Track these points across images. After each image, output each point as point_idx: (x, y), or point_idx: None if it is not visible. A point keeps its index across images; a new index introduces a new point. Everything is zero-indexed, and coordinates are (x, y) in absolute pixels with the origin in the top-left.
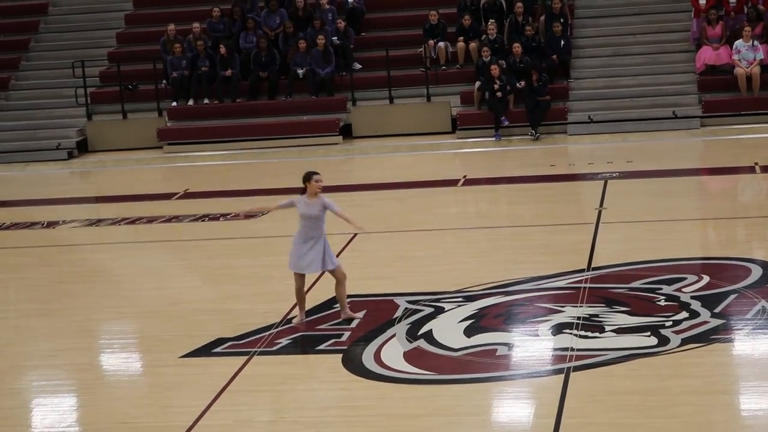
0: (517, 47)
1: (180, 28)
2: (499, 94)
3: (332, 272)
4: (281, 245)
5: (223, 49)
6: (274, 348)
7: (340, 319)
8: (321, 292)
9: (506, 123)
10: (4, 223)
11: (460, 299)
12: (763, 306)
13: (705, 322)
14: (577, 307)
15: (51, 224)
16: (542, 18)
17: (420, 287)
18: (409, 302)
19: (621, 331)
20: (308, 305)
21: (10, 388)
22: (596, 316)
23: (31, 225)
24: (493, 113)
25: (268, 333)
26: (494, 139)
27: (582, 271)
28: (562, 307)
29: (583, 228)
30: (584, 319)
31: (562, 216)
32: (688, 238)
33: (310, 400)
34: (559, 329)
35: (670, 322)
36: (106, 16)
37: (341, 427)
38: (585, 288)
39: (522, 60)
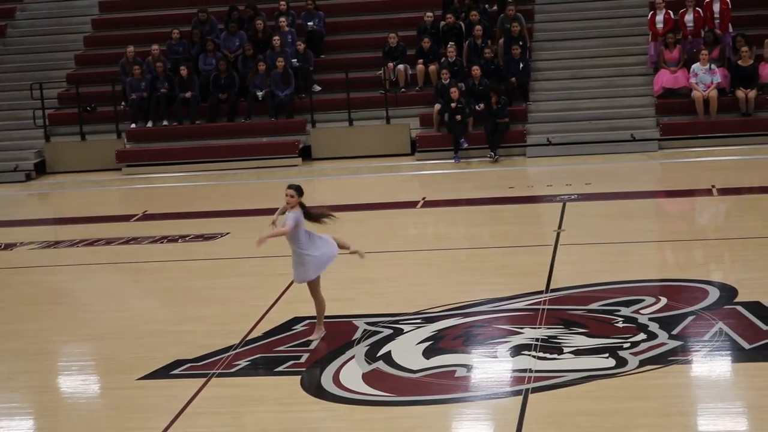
0: (476, 70)
1: (139, 49)
2: (458, 116)
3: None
4: (240, 267)
5: (182, 71)
6: (233, 370)
7: (299, 341)
8: (281, 314)
9: (465, 145)
10: None
11: (419, 321)
12: (720, 328)
13: (663, 344)
14: (535, 328)
15: (8, 246)
16: (501, 41)
17: (379, 309)
18: (368, 324)
19: (579, 352)
20: (267, 327)
21: None
22: (555, 337)
23: None
24: (452, 135)
25: (226, 355)
26: (453, 161)
27: (540, 292)
28: (521, 328)
29: (542, 250)
30: (543, 340)
31: (520, 238)
32: (646, 260)
33: (269, 422)
34: (517, 351)
35: (628, 344)
36: (65, 38)
37: None
38: (543, 309)
39: (481, 82)
